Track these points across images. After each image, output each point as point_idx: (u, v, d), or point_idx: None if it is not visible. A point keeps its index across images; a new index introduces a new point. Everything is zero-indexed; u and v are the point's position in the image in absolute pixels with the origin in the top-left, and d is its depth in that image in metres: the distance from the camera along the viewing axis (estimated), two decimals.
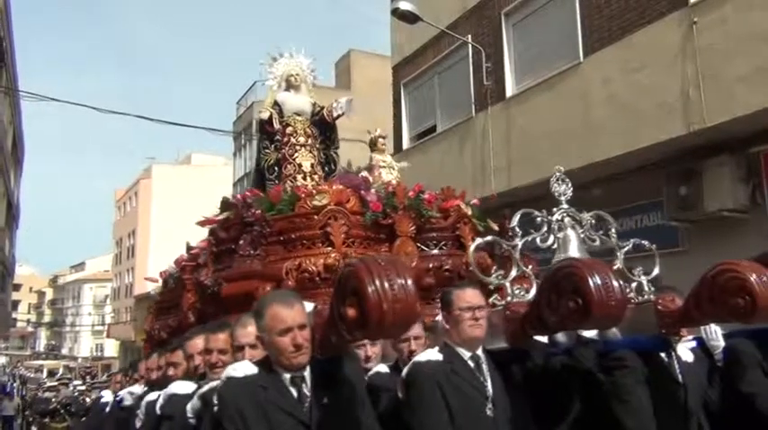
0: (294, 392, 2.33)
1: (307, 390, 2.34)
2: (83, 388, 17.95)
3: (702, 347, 3.30)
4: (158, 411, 3.25)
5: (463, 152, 11.00)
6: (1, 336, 34.15)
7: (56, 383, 21.16)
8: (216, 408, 2.38)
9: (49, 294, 66.87)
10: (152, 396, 3.70)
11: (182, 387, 3.21)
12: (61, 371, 38.76)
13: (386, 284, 1.95)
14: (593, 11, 8.86)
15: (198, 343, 3.30)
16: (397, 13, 10.70)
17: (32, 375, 39.90)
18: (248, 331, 2.66)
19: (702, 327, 3.22)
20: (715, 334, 3.27)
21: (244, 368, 2.41)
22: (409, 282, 1.99)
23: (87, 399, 14.78)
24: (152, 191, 40.02)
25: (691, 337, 3.21)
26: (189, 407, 2.86)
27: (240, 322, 2.78)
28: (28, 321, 61.90)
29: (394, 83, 13.55)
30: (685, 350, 3.19)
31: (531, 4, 10.14)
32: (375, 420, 2.52)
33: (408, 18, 10.74)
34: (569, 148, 8.58)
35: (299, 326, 2.31)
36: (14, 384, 30.64)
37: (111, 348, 47.39)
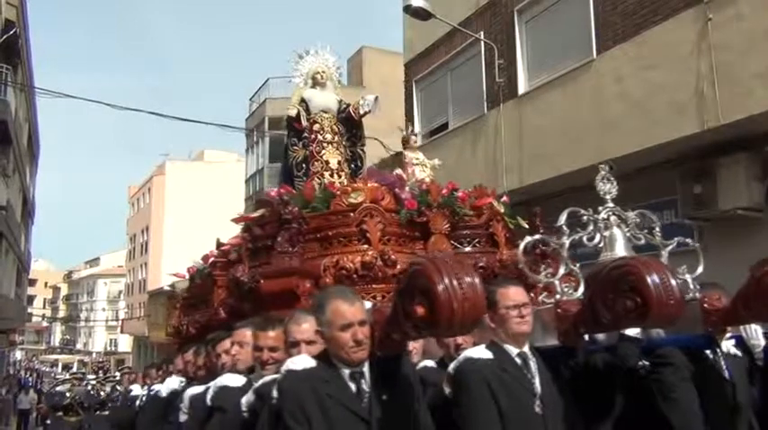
0: (353, 387, 2.37)
1: (366, 386, 2.38)
2: (95, 382, 18.12)
3: (741, 345, 3.29)
4: (209, 402, 3.27)
5: (475, 149, 10.98)
6: (17, 331, 34.51)
7: (69, 377, 21.37)
8: (275, 401, 2.41)
9: (64, 289, 67.46)
10: (195, 389, 3.72)
11: (232, 380, 3.23)
12: (76, 365, 39.21)
13: (455, 283, 1.99)
14: (607, 8, 8.80)
15: (246, 334, 3.33)
16: (409, 9, 10.69)
17: (48, 369, 40.39)
18: (303, 328, 2.70)
19: (742, 326, 3.21)
20: (755, 333, 3.26)
21: (303, 362, 2.45)
22: (477, 280, 2.04)
23: (102, 393, 14.93)
24: (165, 187, 40.21)
25: (729, 335, 3.20)
26: (243, 400, 2.88)
27: (295, 319, 2.81)
28: (43, 316, 62.50)
29: (406, 80, 13.53)
30: (731, 346, 3.19)
31: (545, 1, 10.07)
32: (430, 420, 2.55)
33: (421, 15, 10.73)
34: (582, 146, 8.55)
35: (360, 322, 2.36)
36: (30, 378, 31.01)
37: (125, 343, 47.79)
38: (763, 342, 3.26)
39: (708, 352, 3.08)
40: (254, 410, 2.79)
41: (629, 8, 8.46)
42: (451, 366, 2.86)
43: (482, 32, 11.07)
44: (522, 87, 10.31)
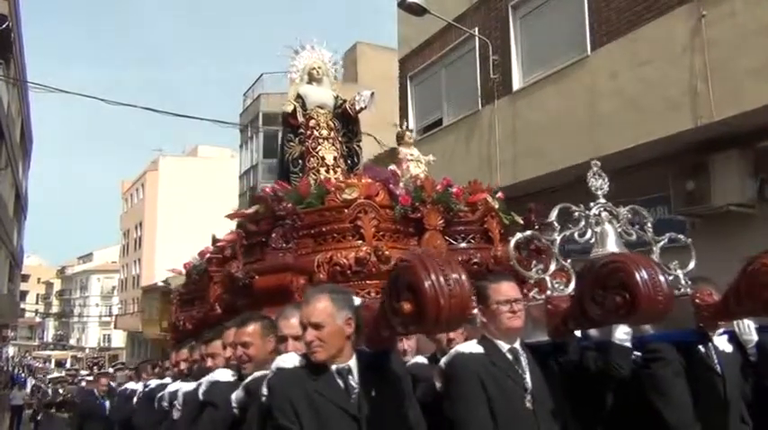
0: (341, 384, 2.37)
1: (353, 382, 2.38)
2: (90, 379, 18.06)
3: (734, 341, 3.27)
4: (201, 397, 3.27)
5: (469, 145, 10.99)
6: (9, 327, 34.38)
7: (63, 374, 21.31)
8: (265, 399, 2.42)
9: (57, 285, 67.20)
10: (188, 386, 3.72)
11: (224, 375, 3.24)
12: (69, 361, 39.06)
13: (442, 279, 1.99)
14: (601, 4, 8.81)
15: (230, 334, 3.33)
16: (404, 5, 10.69)
17: (40, 365, 40.27)
18: (291, 323, 2.71)
19: (735, 321, 3.19)
20: (748, 328, 3.23)
21: (292, 359, 2.46)
22: (464, 277, 2.04)
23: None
24: (159, 183, 40.12)
25: (722, 331, 3.19)
26: (233, 396, 2.89)
27: (283, 314, 2.83)
28: (36, 312, 62.27)
29: (400, 75, 13.52)
30: (724, 341, 3.17)
31: None
32: (420, 415, 2.56)
33: (415, 10, 10.73)
34: (576, 142, 8.56)
35: (312, 325, 2.37)
36: (23, 374, 30.92)
37: (119, 339, 47.70)
38: (755, 337, 3.23)
39: (699, 347, 3.08)
40: (243, 406, 2.79)
41: (623, 4, 8.47)
42: (443, 360, 2.86)
43: (476, 28, 11.07)
44: (516, 83, 10.32)
